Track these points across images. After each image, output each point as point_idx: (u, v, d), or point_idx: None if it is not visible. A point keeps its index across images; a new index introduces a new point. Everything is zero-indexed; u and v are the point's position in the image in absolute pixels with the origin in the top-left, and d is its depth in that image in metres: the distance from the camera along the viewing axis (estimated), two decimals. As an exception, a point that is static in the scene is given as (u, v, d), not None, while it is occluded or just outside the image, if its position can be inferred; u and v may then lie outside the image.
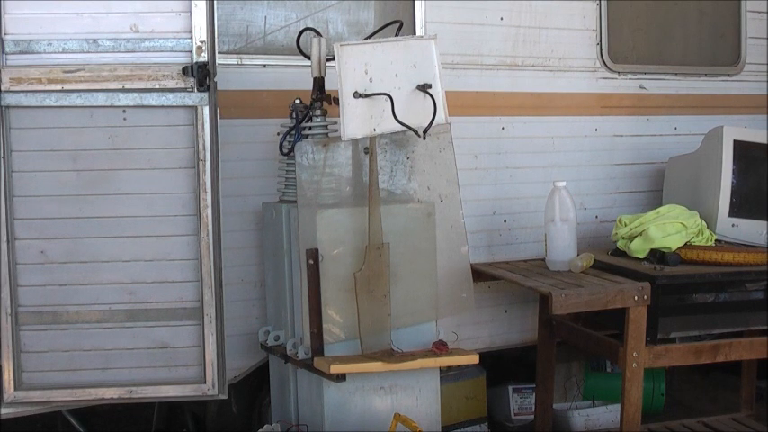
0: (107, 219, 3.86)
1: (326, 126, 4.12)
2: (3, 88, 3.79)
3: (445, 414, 4.30)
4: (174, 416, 5.11)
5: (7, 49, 3.80)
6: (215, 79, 3.87)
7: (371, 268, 3.90)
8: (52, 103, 3.82)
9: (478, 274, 4.57)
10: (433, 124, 3.97)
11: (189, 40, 3.87)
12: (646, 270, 4.35)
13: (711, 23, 5.57)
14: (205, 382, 3.95)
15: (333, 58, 3.90)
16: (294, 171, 4.06)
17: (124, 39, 3.86)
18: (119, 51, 3.86)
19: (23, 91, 3.80)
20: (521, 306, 5.01)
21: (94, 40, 3.84)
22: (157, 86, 3.86)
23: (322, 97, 4.11)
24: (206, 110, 3.86)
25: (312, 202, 3.97)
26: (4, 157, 3.79)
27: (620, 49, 5.26)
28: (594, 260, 4.56)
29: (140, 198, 3.87)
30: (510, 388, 5.41)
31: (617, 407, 4.68)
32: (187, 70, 3.85)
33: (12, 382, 3.86)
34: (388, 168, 4.11)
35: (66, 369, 3.89)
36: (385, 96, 3.88)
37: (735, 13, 5.56)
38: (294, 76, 4.33)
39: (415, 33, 4.64)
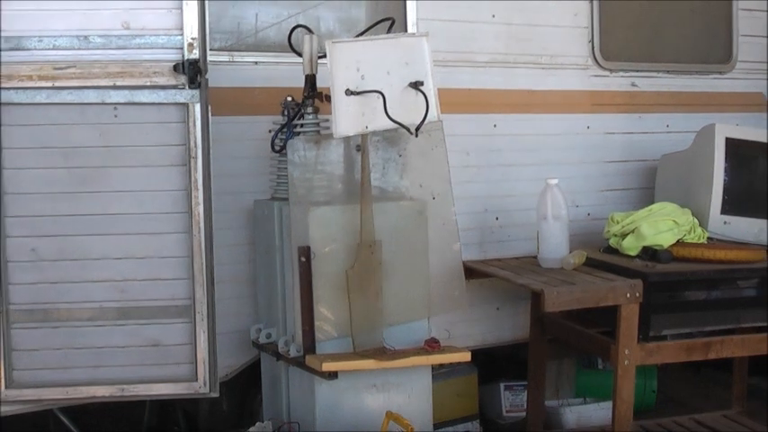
0: (98, 216, 3.85)
1: (318, 123, 4.12)
2: (-7, 85, 3.79)
3: (437, 412, 4.30)
4: (165, 414, 5.10)
5: (-2, 46, 3.80)
6: (206, 76, 3.86)
7: (363, 266, 3.90)
8: (43, 100, 3.80)
9: (470, 271, 4.57)
10: (425, 121, 3.97)
11: (180, 37, 3.86)
12: (638, 267, 4.35)
13: (703, 21, 5.57)
14: (197, 380, 3.94)
15: (324, 56, 3.90)
16: (286, 168, 4.05)
17: (115, 36, 3.84)
18: (110, 48, 3.84)
19: (14, 88, 3.78)
20: (513, 303, 5.01)
21: (85, 36, 3.83)
22: (148, 83, 3.84)
23: (314, 94, 4.10)
24: (197, 107, 3.85)
25: (304, 199, 3.97)
26: (-6, 155, 3.79)
27: (613, 46, 5.26)
28: (586, 257, 4.56)
29: (132, 195, 3.86)
30: (502, 385, 5.41)
31: (609, 404, 4.68)
32: (178, 67, 3.84)
33: (3, 381, 3.84)
34: (380, 166, 4.11)
35: (58, 367, 3.88)
36: (377, 94, 3.88)
37: (727, 10, 5.56)
38: (286, 73, 4.32)
39: (406, 31, 4.64)
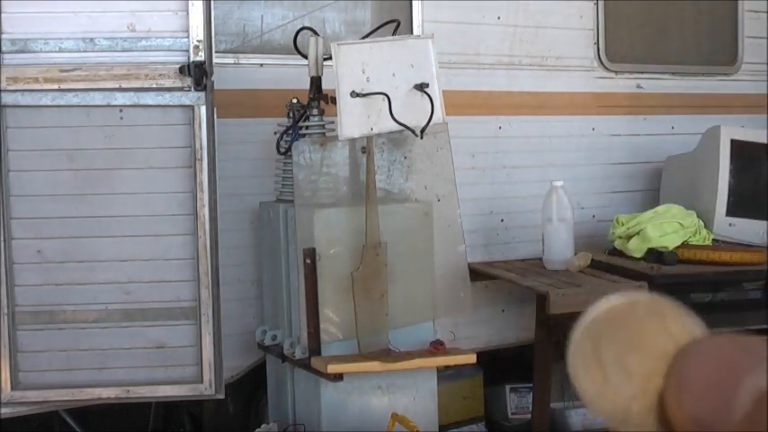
0: (104, 218, 3.85)
1: (324, 125, 4.12)
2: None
3: (442, 414, 4.30)
4: (171, 415, 5.10)
5: (4, 48, 3.79)
6: (212, 78, 3.87)
7: (369, 268, 3.90)
8: (49, 103, 3.81)
9: (476, 273, 4.57)
10: (431, 123, 3.97)
11: (186, 40, 3.86)
12: (643, 269, 4.35)
13: (709, 23, 5.57)
14: (202, 382, 3.94)
15: (330, 58, 3.90)
16: (291, 170, 4.05)
17: (121, 38, 3.85)
18: (115, 50, 3.85)
19: (20, 90, 3.79)
20: (518, 305, 5.01)
21: (91, 39, 3.83)
22: (154, 86, 3.85)
23: (319, 96, 4.10)
24: (203, 109, 3.86)
25: (309, 201, 3.97)
26: (0, 157, 3.79)
27: (618, 48, 5.26)
28: (592, 259, 4.55)
29: (137, 197, 3.86)
30: (507, 387, 5.40)
31: (614, 406, 4.67)
32: (184, 69, 3.84)
33: (8, 382, 3.85)
34: (385, 168, 4.11)
35: (63, 369, 3.88)
36: (382, 96, 3.88)
37: (732, 12, 5.56)
38: (291, 75, 4.32)
39: (412, 32, 4.64)
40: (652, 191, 5.26)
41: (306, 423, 4.04)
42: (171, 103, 3.86)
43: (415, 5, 4.70)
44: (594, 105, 5.19)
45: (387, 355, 3.89)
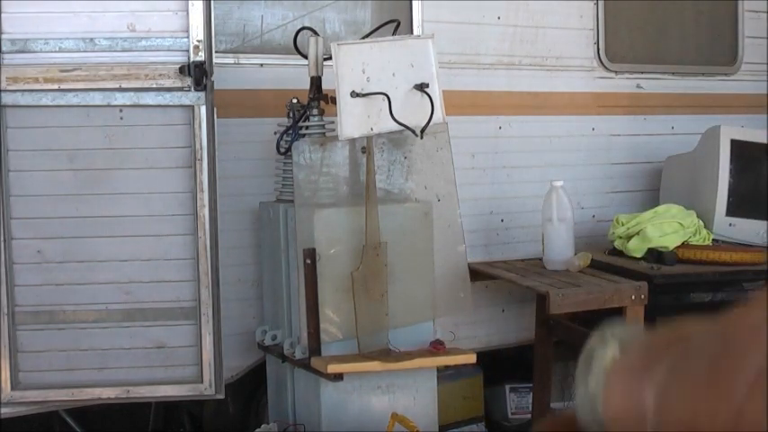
0: (104, 218, 3.85)
1: (324, 125, 4.12)
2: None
3: (442, 413, 4.30)
4: (171, 415, 5.10)
5: (3, 49, 3.79)
6: (212, 78, 3.87)
7: (369, 268, 3.90)
8: (49, 103, 3.81)
9: (476, 273, 4.57)
10: (431, 123, 3.97)
11: (186, 40, 3.86)
12: (643, 269, 4.35)
13: (709, 23, 5.58)
14: (202, 382, 3.94)
15: (330, 58, 3.90)
16: (291, 170, 4.05)
17: (121, 38, 3.85)
18: (115, 50, 3.85)
19: (20, 90, 3.79)
20: (518, 305, 5.01)
21: (91, 39, 3.84)
22: (154, 86, 3.85)
23: (319, 96, 4.10)
24: (203, 109, 3.86)
25: (309, 201, 3.97)
26: (0, 157, 3.79)
27: (618, 48, 5.26)
28: (591, 259, 4.56)
29: (137, 197, 3.87)
30: (507, 387, 5.40)
31: (614, 406, 4.68)
32: (184, 69, 3.84)
33: (8, 382, 3.85)
34: (385, 168, 4.11)
35: (63, 369, 3.89)
36: (382, 96, 3.88)
37: (732, 12, 5.56)
38: (291, 75, 4.33)
39: (412, 32, 4.64)
40: (652, 191, 5.26)
41: (306, 423, 4.05)
42: (171, 103, 3.86)
43: (415, 5, 4.70)
44: (594, 105, 5.19)
45: (387, 355, 3.89)
